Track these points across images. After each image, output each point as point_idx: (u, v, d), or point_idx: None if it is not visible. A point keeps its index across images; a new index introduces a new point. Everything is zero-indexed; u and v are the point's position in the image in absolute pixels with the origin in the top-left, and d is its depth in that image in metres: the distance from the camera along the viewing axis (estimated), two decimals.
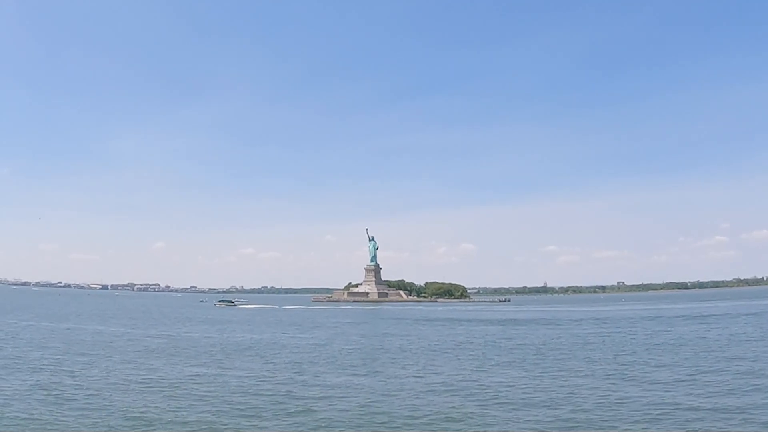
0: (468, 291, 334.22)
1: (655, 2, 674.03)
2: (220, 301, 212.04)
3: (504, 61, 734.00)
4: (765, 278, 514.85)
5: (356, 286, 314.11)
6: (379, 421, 26.71)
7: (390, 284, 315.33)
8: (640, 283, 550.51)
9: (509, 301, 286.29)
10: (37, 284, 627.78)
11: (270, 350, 55.36)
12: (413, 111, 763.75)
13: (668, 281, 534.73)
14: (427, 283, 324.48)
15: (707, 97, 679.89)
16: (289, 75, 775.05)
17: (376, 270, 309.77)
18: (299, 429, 25.81)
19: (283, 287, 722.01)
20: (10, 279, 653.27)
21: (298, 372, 41.17)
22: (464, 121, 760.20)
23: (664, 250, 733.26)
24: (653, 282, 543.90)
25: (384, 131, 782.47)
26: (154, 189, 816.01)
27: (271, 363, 46.08)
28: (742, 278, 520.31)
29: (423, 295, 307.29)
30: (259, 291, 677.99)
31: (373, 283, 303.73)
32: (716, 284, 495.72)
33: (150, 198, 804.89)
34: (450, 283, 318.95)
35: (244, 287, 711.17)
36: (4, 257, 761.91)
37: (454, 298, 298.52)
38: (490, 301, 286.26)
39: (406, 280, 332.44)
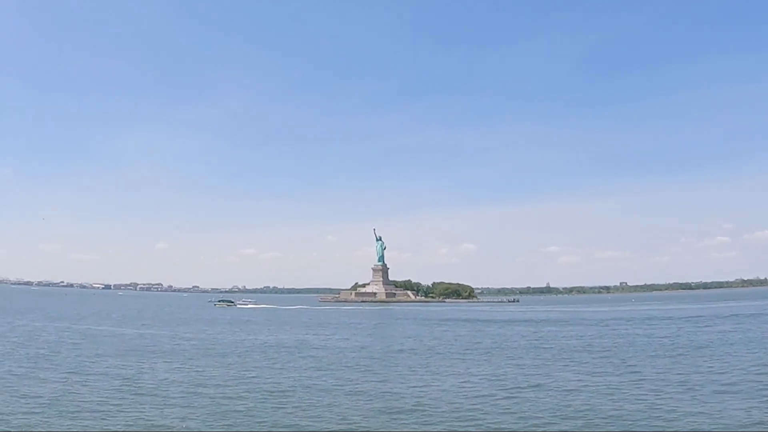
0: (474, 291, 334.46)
1: (656, 3, 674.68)
2: (219, 301, 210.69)
3: (506, 61, 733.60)
4: (765, 278, 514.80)
5: (363, 286, 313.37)
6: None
7: (397, 284, 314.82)
8: (643, 283, 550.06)
9: (518, 301, 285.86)
10: (39, 284, 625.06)
11: (330, 352, 54.61)
12: (414, 111, 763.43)
13: (670, 282, 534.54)
14: (434, 283, 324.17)
15: (709, 97, 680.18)
16: (291, 75, 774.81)
17: (384, 270, 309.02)
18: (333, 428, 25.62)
19: (285, 287, 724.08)
20: (12, 279, 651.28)
21: (391, 375, 40.69)
22: (465, 122, 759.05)
23: (666, 251, 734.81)
24: (656, 282, 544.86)
25: (385, 131, 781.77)
26: (156, 189, 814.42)
27: (352, 366, 45.33)
28: (745, 279, 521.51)
29: (431, 295, 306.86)
30: (261, 291, 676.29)
31: (381, 283, 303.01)
32: (720, 285, 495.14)
33: (151, 198, 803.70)
34: (458, 284, 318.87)
35: (246, 287, 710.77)
36: (6, 257, 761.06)
37: (462, 299, 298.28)
38: (498, 302, 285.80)
39: (413, 280, 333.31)
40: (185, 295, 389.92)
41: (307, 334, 77.38)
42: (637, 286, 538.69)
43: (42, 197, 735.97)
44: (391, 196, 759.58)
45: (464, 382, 37.75)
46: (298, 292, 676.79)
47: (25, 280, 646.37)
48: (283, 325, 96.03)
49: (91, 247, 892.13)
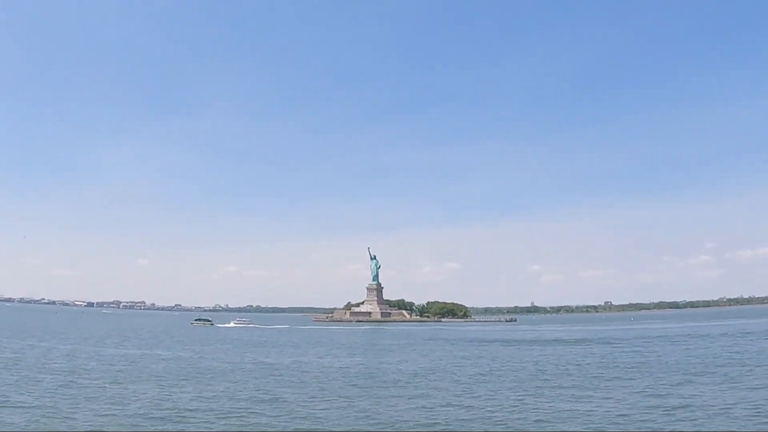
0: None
1: (640, 23, 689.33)
2: (197, 320, 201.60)
3: (490, 80, 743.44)
4: (752, 297, 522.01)
5: (357, 305, 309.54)
6: None
7: (390, 304, 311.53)
8: (628, 302, 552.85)
9: (515, 320, 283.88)
10: (21, 300, 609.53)
11: (392, 376, 51.59)
12: (397, 129, 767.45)
13: (654, 300, 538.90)
14: (429, 302, 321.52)
15: (692, 117, 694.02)
16: (276, 91, 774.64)
17: (378, 289, 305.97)
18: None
19: (269, 306, 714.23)
20: None
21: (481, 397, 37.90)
22: (448, 140, 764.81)
23: (650, 270, 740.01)
24: (641, 302, 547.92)
25: (369, 149, 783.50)
26: (138, 204, 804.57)
27: (437, 391, 42.50)
28: (729, 297, 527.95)
29: (426, 315, 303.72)
30: (245, 309, 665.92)
31: (376, 302, 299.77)
32: (707, 303, 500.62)
33: (133, 214, 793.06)
34: (453, 303, 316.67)
35: (229, 305, 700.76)
36: None
37: (458, 318, 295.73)
38: (496, 321, 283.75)
39: (405, 300, 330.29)
40: (176, 314, 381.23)
41: (359, 356, 73.50)
42: (623, 305, 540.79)
43: (23, 211, 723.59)
44: (375, 214, 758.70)
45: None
46: (282, 311, 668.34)
47: (6, 296, 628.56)
48: (314, 346, 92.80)
49: (73, 262, 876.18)
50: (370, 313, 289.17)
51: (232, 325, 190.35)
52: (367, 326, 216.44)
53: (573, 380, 48.11)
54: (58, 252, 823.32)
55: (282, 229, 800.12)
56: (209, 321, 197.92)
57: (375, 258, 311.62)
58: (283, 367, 58.13)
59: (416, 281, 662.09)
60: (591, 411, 34.14)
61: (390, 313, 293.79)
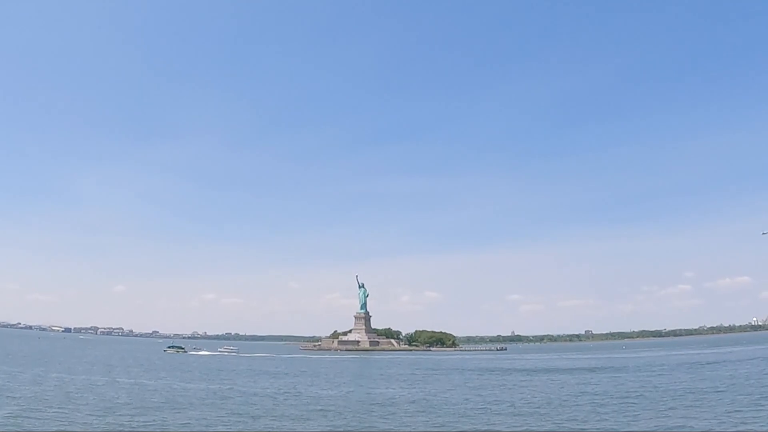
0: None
1: (616, 56, 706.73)
2: (170, 347, 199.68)
3: (468, 111, 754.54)
4: (732, 326, 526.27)
5: (345, 333, 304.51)
6: None
7: (378, 332, 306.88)
8: (608, 331, 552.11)
9: (506, 349, 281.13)
10: None
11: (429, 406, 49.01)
12: (375, 159, 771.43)
13: (634, 329, 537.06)
14: (417, 331, 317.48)
15: (670, 148, 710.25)
16: (254, 120, 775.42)
17: (366, 318, 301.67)
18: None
19: (248, 334, 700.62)
20: None
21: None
22: (426, 170, 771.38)
23: (629, 299, 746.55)
24: (622, 330, 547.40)
25: (347, 178, 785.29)
26: (114, 231, 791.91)
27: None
28: (708, 326, 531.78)
29: (415, 343, 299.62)
30: (224, 337, 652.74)
31: (363, 331, 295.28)
32: (689, 332, 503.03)
33: (110, 240, 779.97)
34: (441, 332, 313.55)
35: (207, 333, 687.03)
36: None
37: (446, 347, 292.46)
38: (486, 350, 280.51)
39: (393, 329, 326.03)
40: (160, 341, 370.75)
41: (407, 388, 70.01)
42: (605, 334, 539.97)
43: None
44: (354, 243, 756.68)
45: None
46: (261, 339, 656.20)
47: None
48: (337, 376, 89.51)
49: (49, 287, 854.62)
50: (358, 342, 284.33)
51: (204, 352, 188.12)
52: (356, 355, 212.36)
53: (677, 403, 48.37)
54: (34, 277, 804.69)
55: (260, 257, 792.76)
56: (182, 348, 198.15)
57: (363, 286, 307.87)
58: (343, 401, 54.90)
59: (396, 310, 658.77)
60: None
61: (378, 342, 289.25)
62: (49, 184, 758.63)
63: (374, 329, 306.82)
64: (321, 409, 49.86)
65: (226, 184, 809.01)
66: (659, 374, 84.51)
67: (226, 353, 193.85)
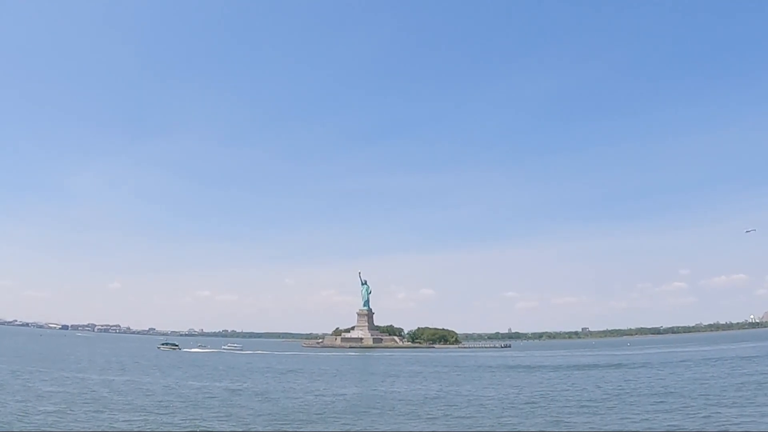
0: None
1: (613, 53, 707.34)
2: (164, 344, 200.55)
3: (463, 108, 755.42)
4: (728, 323, 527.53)
5: (348, 331, 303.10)
6: None
7: (380, 329, 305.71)
8: (605, 328, 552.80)
9: (510, 346, 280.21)
10: None
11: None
12: (371, 156, 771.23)
13: (631, 327, 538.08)
14: (419, 328, 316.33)
15: (666, 146, 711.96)
16: (249, 118, 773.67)
17: (369, 315, 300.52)
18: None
19: (244, 331, 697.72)
20: None
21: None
22: (421, 168, 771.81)
23: (624, 297, 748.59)
24: (618, 327, 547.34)
25: (343, 175, 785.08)
26: (109, 228, 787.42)
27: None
28: (705, 323, 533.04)
29: (417, 341, 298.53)
30: (220, 334, 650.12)
31: (366, 328, 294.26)
32: (687, 329, 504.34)
33: (105, 237, 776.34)
34: (443, 329, 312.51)
35: (204, 330, 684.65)
36: None
37: (449, 344, 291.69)
38: (492, 347, 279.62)
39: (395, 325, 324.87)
40: (160, 337, 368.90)
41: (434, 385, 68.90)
42: (602, 331, 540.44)
43: None
44: (350, 240, 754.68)
45: None
46: (258, 336, 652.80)
47: None
48: (359, 374, 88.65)
49: (44, 284, 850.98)
50: (361, 339, 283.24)
51: (196, 350, 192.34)
52: (360, 352, 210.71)
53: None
54: (28, 274, 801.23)
55: (255, 254, 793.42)
56: (176, 345, 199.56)
57: (366, 283, 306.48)
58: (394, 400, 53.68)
59: (392, 308, 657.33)
60: None
61: (381, 339, 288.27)
62: (44, 181, 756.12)
63: (377, 326, 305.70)
64: (378, 410, 48.73)
65: (221, 181, 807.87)
66: (691, 368, 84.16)
67: (229, 351, 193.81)
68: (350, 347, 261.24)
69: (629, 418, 40.92)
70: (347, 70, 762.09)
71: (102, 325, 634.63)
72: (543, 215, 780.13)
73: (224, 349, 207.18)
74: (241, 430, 38.02)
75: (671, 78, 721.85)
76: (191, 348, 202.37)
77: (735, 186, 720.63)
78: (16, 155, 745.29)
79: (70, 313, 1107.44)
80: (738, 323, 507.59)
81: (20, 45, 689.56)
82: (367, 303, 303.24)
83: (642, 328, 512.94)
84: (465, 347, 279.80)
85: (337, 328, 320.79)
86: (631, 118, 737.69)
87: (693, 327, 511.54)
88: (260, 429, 38.66)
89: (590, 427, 38.36)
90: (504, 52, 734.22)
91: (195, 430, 37.08)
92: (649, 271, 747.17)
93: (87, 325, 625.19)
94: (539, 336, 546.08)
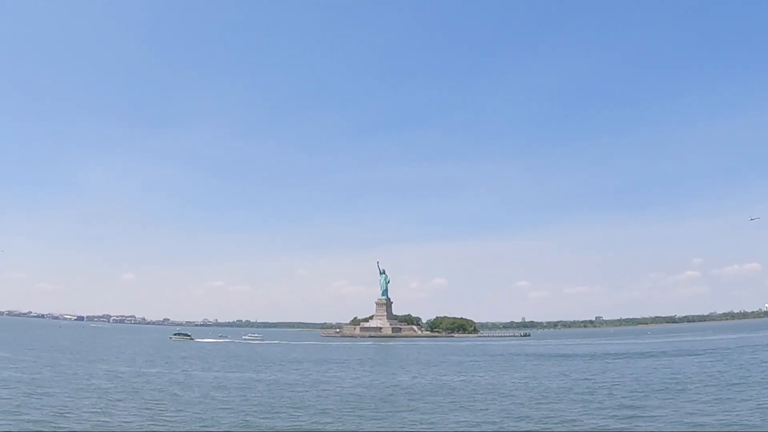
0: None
1: (627, 42, 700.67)
2: (176, 334, 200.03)
3: (476, 99, 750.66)
4: (742, 312, 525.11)
5: (366, 320, 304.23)
6: None
7: (399, 319, 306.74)
8: (618, 318, 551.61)
9: (529, 335, 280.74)
10: (9, 313, 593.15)
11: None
12: (384, 147, 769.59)
13: (645, 316, 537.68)
14: (437, 317, 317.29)
15: (679, 135, 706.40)
16: (261, 109, 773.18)
17: (388, 304, 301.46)
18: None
19: (258, 321, 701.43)
20: None
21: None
22: (433, 158, 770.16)
23: (636, 286, 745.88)
24: (632, 316, 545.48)
25: (354, 166, 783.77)
26: (122, 219, 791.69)
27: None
28: (719, 312, 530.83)
29: (436, 330, 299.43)
30: (235, 324, 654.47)
31: (385, 317, 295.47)
32: (702, 318, 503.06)
33: (118, 228, 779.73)
34: (462, 318, 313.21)
35: (218, 320, 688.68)
36: None
37: (468, 333, 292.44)
38: (511, 336, 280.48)
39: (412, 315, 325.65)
40: (177, 328, 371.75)
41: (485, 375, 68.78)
42: (616, 320, 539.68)
43: (4, 224, 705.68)
44: (362, 231, 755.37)
45: None
46: (273, 326, 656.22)
47: None
48: (430, 365, 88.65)
49: (58, 276, 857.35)
50: (380, 328, 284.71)
51: (209, 340, 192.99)
52: (383, 341, 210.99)
53: None
54: (41, 266, 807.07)
55: (267, 245, 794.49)
56: (188, 336, 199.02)
57: (384, 272, 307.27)
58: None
59: (405, 297, 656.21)
60: None
61: (401, 329, 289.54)
62: (57, 174, 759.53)
63: (395, 316, 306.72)
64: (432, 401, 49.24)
65: (233, 173, 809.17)
66: (739, 354, 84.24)
67: (248, 341, 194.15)
68: (369, 336, 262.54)
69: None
70: (360, 61, 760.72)
71: (117, 316, 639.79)
72: (554, 205, 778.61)
73: (245, 339, 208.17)
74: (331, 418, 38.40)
75: (683, 67, 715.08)
76: (204, 338, 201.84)
77: (747, 175, 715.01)
78: (29, 149, 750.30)
79: (84, 304, 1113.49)
80: (753, 312, 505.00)
81: (33, 40, 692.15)
82: (385, 292, 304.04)
83: (657, 317, 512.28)
84: (484, 336, 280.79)
85: (356, 318, 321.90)
86: (643, 108, 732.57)
87: (707, 316, 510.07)
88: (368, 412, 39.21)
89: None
90: (515, 42, 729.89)
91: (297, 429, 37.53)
92: (661, 261, 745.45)
93: (102, 316, 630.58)
94: (554, 325, 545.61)
